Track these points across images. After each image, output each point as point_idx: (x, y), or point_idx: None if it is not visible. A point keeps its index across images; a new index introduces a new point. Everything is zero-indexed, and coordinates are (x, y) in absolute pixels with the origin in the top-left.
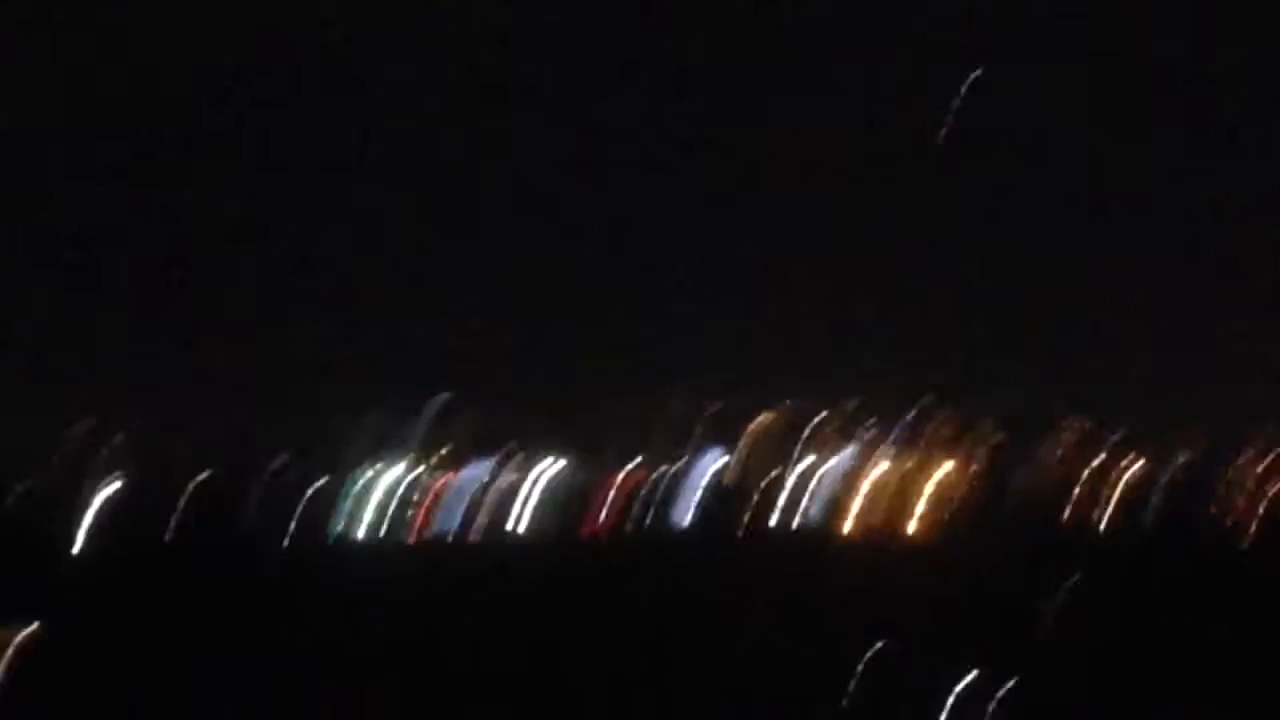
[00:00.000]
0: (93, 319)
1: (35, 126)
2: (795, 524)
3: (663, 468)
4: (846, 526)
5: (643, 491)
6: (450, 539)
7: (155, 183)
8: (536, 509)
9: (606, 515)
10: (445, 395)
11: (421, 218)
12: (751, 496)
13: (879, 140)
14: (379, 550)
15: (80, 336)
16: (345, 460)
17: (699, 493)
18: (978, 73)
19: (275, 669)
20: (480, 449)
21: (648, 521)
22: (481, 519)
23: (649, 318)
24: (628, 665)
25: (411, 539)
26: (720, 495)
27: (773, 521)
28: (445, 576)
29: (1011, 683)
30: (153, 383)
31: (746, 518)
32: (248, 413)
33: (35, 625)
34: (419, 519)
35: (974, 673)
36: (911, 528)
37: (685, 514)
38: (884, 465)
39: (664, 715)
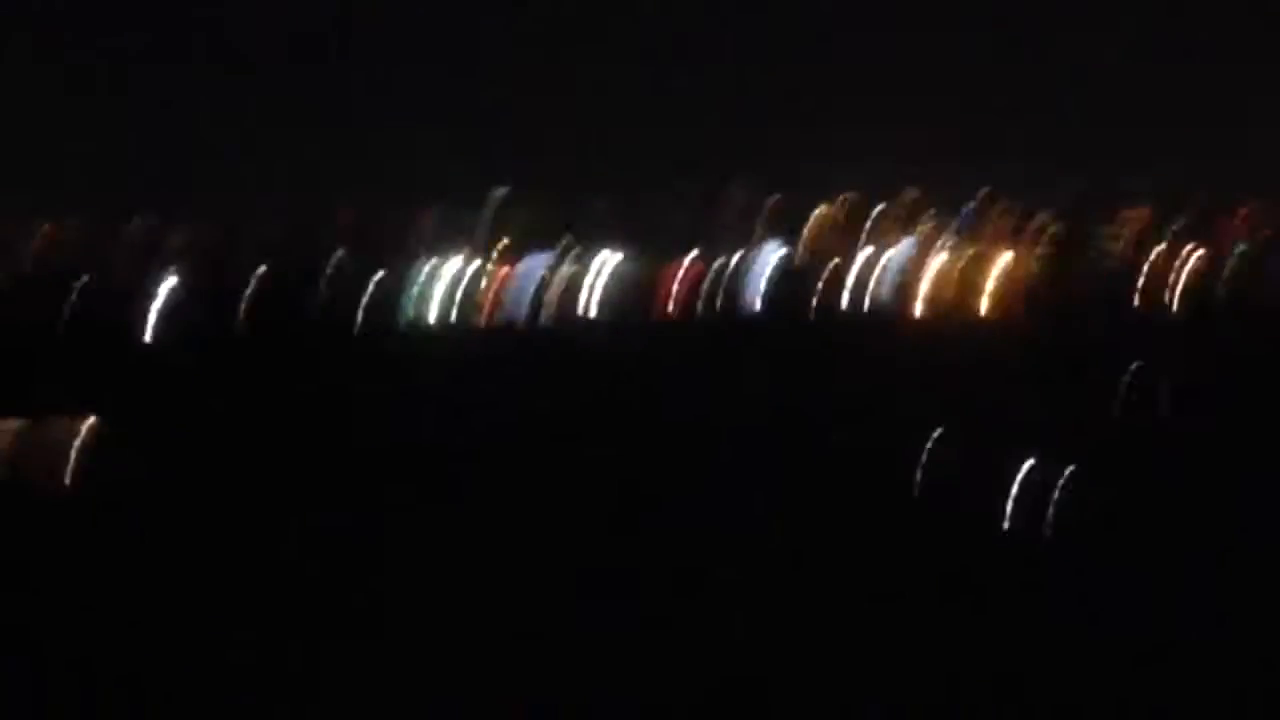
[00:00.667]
0: (150, 119)
1: None
2: (865, 306)
3: (721, 259)
4: (917, 308)
5: (708, 278)
6: (521, 323)
7: None
8: (603, 295)
9: (675, 300)
10: (503, 189)
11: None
12: (818, 281)
13: None
14: (452, 334)
15: (137, 137)
16: (404, 254)
17: (765, 279)
18: None
19: (354, 459)
20: (538, 242)
21: (718, 304)
22: (550, 305)
23: (706, 110)
24: (711, 442)
25: (482, 323)
26: (788, 280)
27: (843, 304)
28: (522, 357)
29: (1076, 468)
30: (208, 181)
31: (815, 301)
32: (307, 208)
33: (98, 418)
34: (487, 306)
35: (1037, 458)
36: (982, 308)
37: (754, 298)
38: (943, 256)
39: (743, 487)
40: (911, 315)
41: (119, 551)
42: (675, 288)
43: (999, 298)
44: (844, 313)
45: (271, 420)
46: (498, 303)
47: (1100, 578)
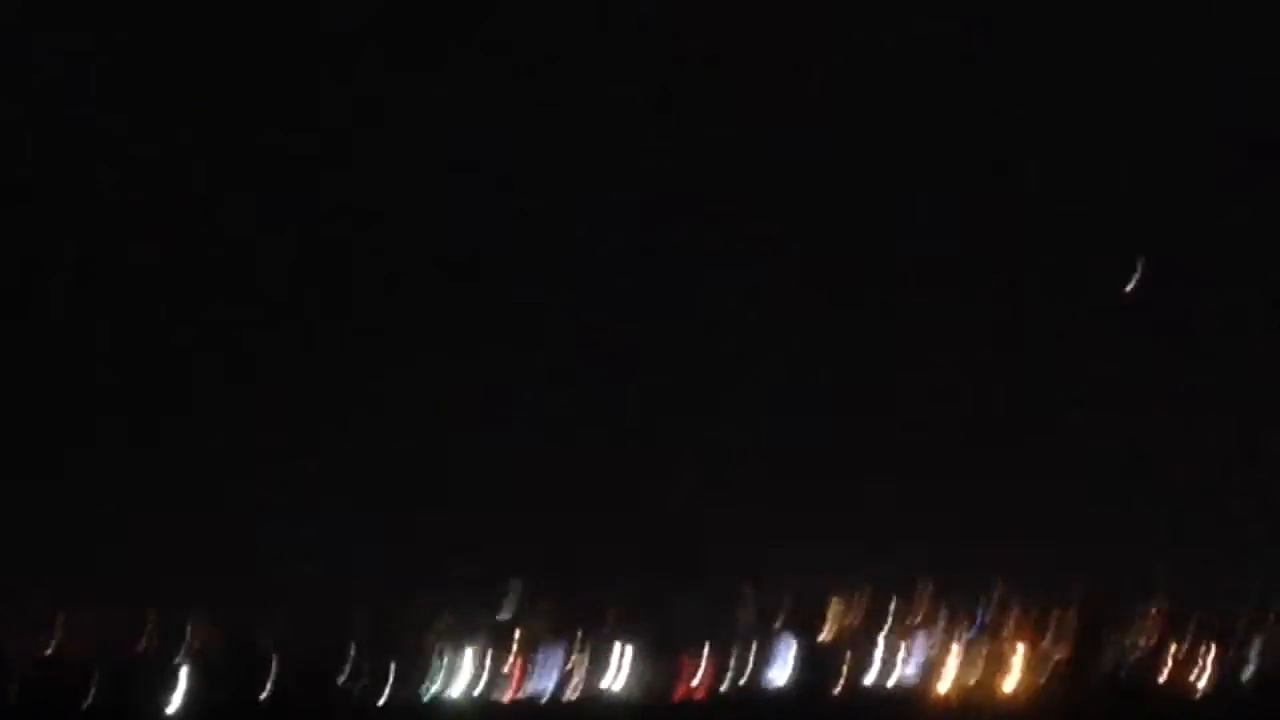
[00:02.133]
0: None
1: None
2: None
3: (738, 651)
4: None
5: (733, 660)
6: (546, 698)
7: None
8: (628, 678)
9: (700, 680)
10: (517, 581)
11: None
12: (842, 665)
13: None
14: (478, 706)
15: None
16: (420, 647)
17: (790, 658)
18: None
19: None
20: (553, 638)
21: (743, 682)
22: (577, 680)
23: (712, 510)
24: None
25: (508, 697)
26: (814, 658)
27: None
28: None
29: None
30: (218, 577)
31: (842, 679)
32: (322, 602)
33: None
34: (514, 680)
35: None
36: (1009, 686)
37: (779, 676)
38: (957, 652)
39: None
40: (937, 693)
41: None
42: (697, 676)
43: (1029, 674)
44: (869, 688)
45: None
46: (523, 678)
47: None
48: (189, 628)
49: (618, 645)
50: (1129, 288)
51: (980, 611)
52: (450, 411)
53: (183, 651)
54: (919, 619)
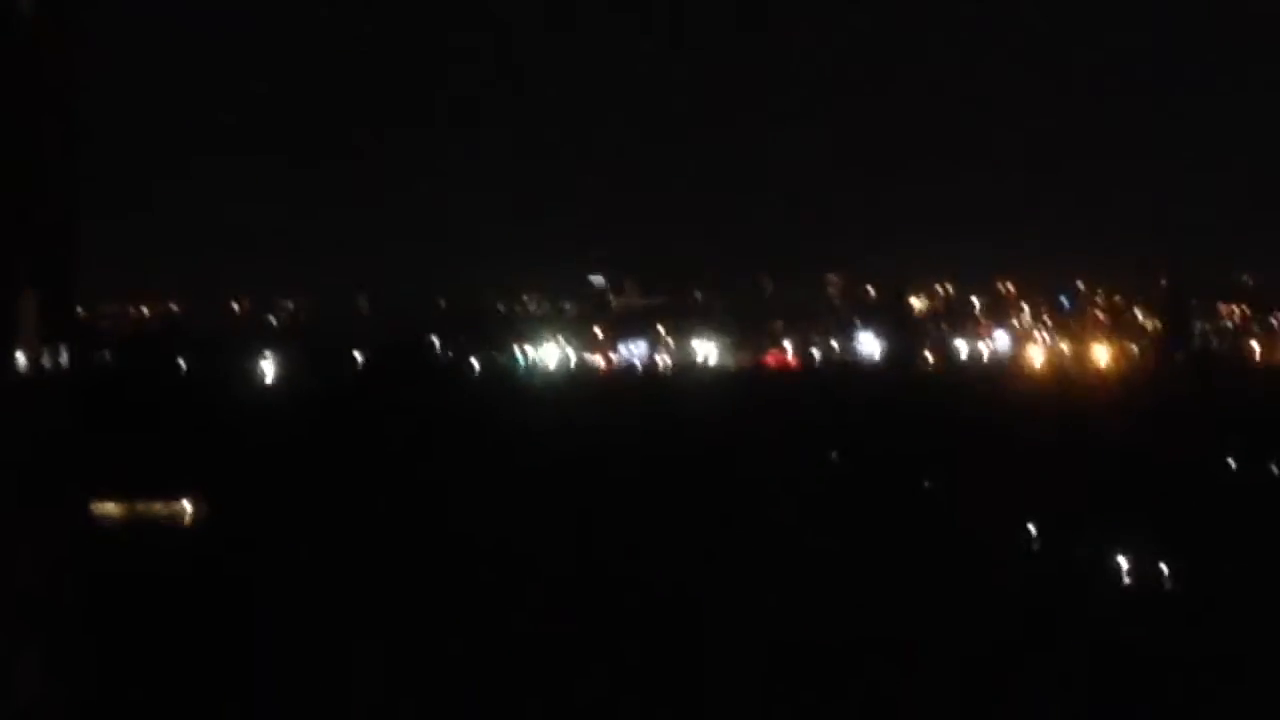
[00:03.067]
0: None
1: None
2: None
3: (819, 348)
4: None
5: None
6: (640, 369)
7: None
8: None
9: (793, 353)
10: (599, 278)
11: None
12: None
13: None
14: (573, 373)
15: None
16: (503, 340)
17: (878, 338)
18: None
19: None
20: (633, 331)
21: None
22: (669, 354)
23: (800, 204)
24: None
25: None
26: (902, 336)
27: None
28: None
29: None
30: (309, 260)
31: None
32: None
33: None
34: (604, 362)
35: None
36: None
37: (871, 351)
38: (1040, 350)
39: None
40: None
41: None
42: (789, 350)
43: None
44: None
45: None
46: (610, 360)
47: None
48: (285, 302)
49: (698, 341)
50: None
51: (1066, 298)
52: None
53: (277, 324)
54: (1006, 304)
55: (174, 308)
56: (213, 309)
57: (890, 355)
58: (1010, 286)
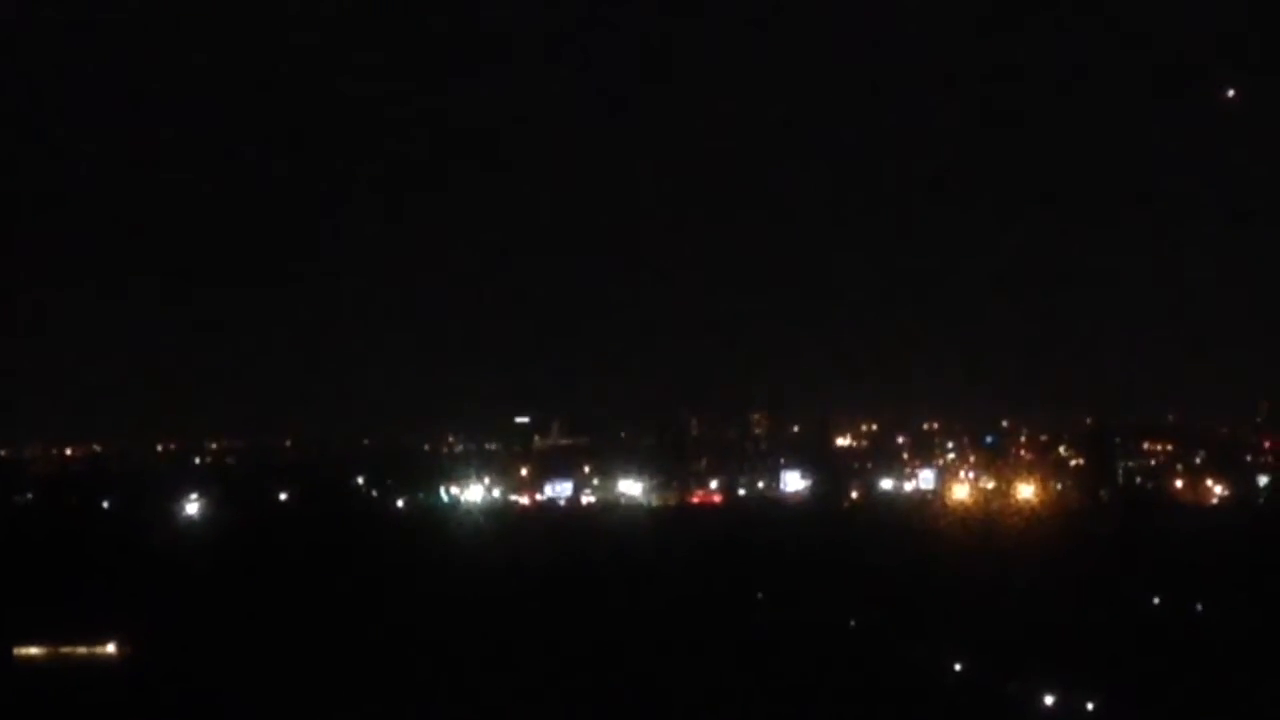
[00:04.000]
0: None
1: None
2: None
3: (744, 488)
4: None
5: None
6: (564, 502)
7: None
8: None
9: (717, 488)
10: (523, 419)
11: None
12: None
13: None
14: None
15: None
16: (427, 481)
17: (803, 473)
18: None
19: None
20: (558, 472)
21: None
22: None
23: (723, 342)
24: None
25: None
26: (827, 471)
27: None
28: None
29: None
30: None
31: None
32: (331, 436)
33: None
34: (528, 500)
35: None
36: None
37: (794, 486)
38: (965, 488)
39: None
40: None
41: None
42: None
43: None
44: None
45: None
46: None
47: None
48: (209, 444)
49: (624, 482)
50: None
51: (991, 438)
52: None
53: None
54: (931, 442)
55: (97, 449)
56: (137, 451)
57: (815, 492)
58: (935, 425)
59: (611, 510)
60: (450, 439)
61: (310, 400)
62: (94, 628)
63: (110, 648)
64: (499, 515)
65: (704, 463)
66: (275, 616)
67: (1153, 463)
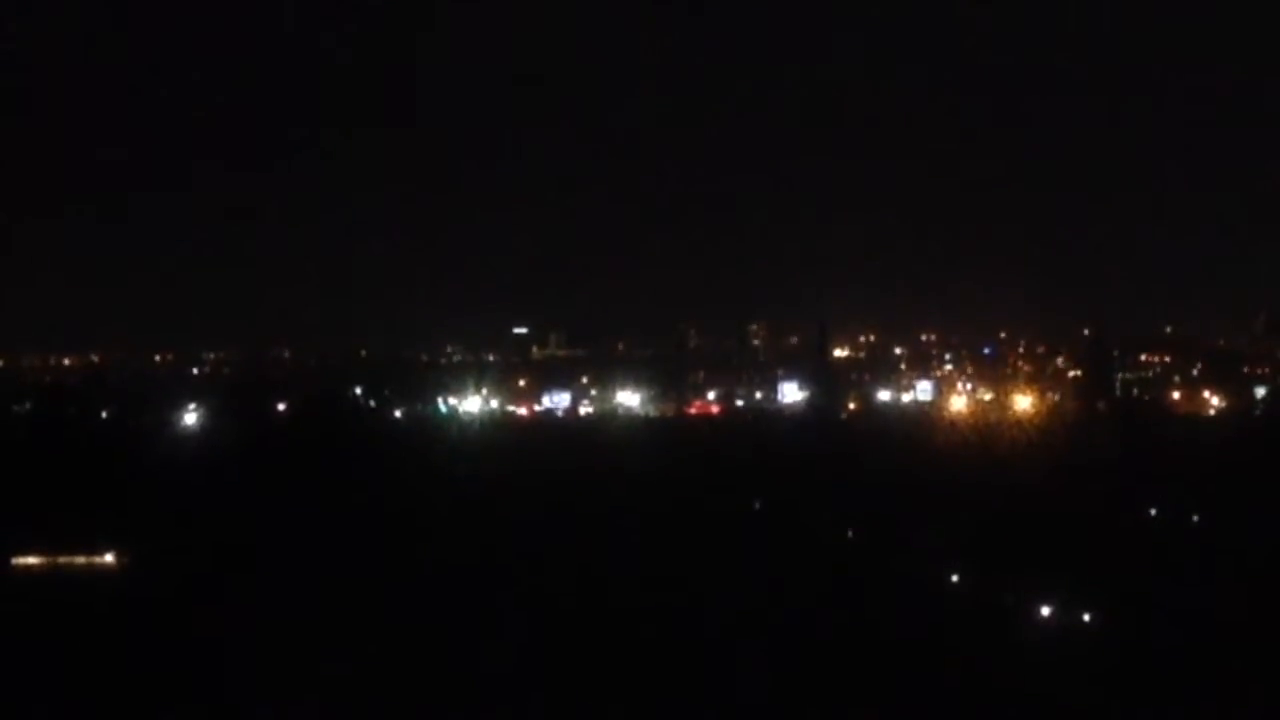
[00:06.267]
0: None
1: None
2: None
3: (742, 400)
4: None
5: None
6: (561, 413)
7: None
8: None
9: (715, 399)
10: (521, 329)
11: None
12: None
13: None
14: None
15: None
16: (425, 393)
17: (800, 384)
18: None
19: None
20: (556, 383)
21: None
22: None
23: (724, 252)
24: None
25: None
26: (823, 382)
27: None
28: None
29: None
30: (236, 315)
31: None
32: (330, 346)
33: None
34: (526, 411)
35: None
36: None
37: (791, 398)
38: (962, 400)
39: None
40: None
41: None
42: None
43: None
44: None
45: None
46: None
47: None
48: (207, 354)
49: (621, 394)
50: None
51: (989, 349)
52: None
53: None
54: (929, 354)
55: (95, 359)
56: (135, 361)
57: (813, 404)
58: (933, 337)
59: (609, 421)
60: (448, 349)
61: (308, 311)
62: (92, 537)
63: (109, 557)
64: (497, 425)
65: (701, 374)
66: (273, 526)
67: (1150, 374)
